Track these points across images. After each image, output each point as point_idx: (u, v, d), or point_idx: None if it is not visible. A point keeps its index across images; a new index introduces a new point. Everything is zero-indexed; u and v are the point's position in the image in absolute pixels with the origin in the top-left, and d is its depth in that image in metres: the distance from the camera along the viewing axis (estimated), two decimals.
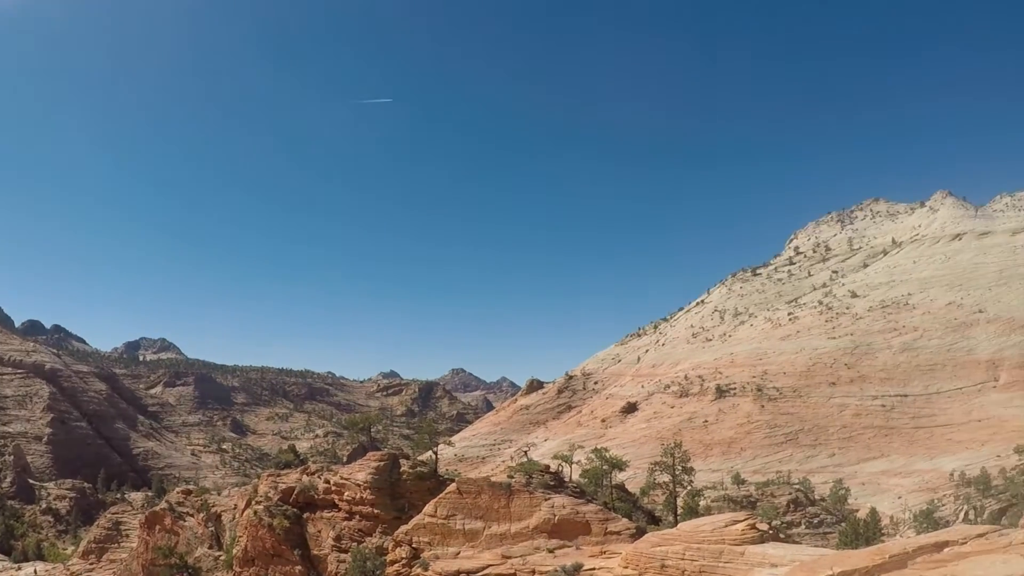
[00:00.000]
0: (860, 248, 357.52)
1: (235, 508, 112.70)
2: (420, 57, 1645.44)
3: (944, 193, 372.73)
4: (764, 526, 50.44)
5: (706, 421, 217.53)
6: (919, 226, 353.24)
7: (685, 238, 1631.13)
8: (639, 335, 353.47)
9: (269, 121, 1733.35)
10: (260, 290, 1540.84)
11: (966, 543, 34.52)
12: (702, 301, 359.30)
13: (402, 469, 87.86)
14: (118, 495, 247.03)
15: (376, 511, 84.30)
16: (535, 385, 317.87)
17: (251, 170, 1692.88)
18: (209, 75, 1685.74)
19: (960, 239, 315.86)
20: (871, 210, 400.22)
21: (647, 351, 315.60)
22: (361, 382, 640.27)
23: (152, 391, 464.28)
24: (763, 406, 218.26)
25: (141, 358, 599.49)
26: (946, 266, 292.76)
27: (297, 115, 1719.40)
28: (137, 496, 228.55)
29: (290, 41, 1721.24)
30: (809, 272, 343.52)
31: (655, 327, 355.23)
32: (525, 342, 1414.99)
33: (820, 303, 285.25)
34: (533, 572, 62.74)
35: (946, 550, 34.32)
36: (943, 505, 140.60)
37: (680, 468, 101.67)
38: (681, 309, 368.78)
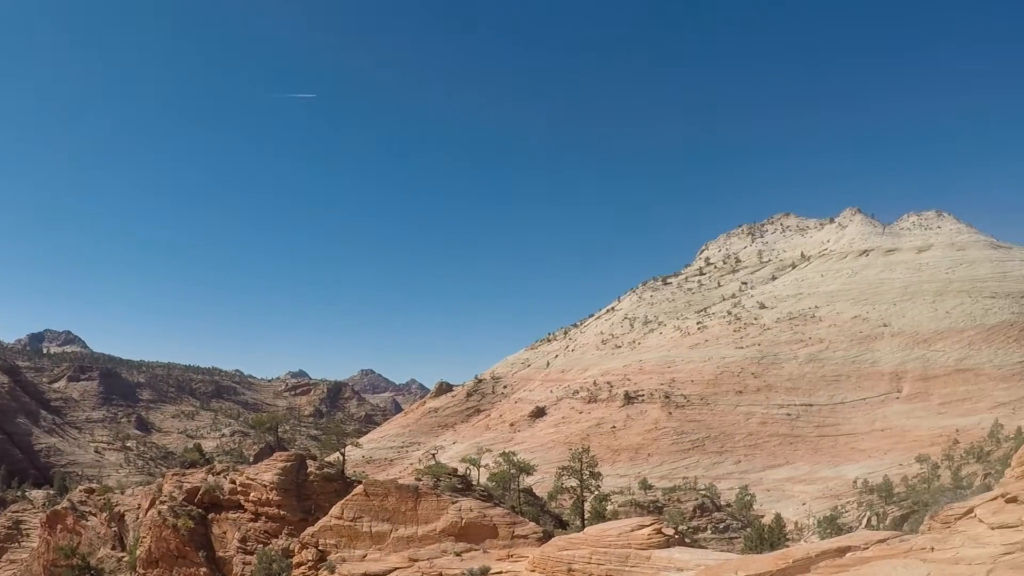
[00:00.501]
0: (769, 261, 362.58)
1: (139, 508, 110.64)
2: (319, 56, 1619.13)
3: (853, 210, 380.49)
4: (670, 531, 50.60)
5: (614, 427, 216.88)
6: (828, 241, 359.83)
7: (597, 246, 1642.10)
8: (549, 340, 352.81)
9: (188, 112, 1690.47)
10: (167, 285, 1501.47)
11: (868, 548, 34.78)
12: (612, 308, 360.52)
13: (309, 470, 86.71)
14: (18, 493, 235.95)
15: (282, 512, 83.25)
16: (444, 388, 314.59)
17: (157, 162, 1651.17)
18: (99, 61, 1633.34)
19: (867, 255, 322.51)
20: (781, 224, 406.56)
21: (557, 356, 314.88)
22: (269, 381, 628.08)
23: (56, 385, 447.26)
24: (671, 413, 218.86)
25: (45, 351, 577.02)
26: (853, 281, 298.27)
27: (211, 107, 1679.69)
28: (38, 494, 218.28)
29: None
30: (719, 283, 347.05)
31: (565, 333, 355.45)
32: (435, 344, 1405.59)
33: (729, 313, 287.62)
34: (440, 575, 62.15)
35: (848, 555, 34.57)
36: (846, 511, 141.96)
37: (588, 473, 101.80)
38: (592, 316, 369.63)
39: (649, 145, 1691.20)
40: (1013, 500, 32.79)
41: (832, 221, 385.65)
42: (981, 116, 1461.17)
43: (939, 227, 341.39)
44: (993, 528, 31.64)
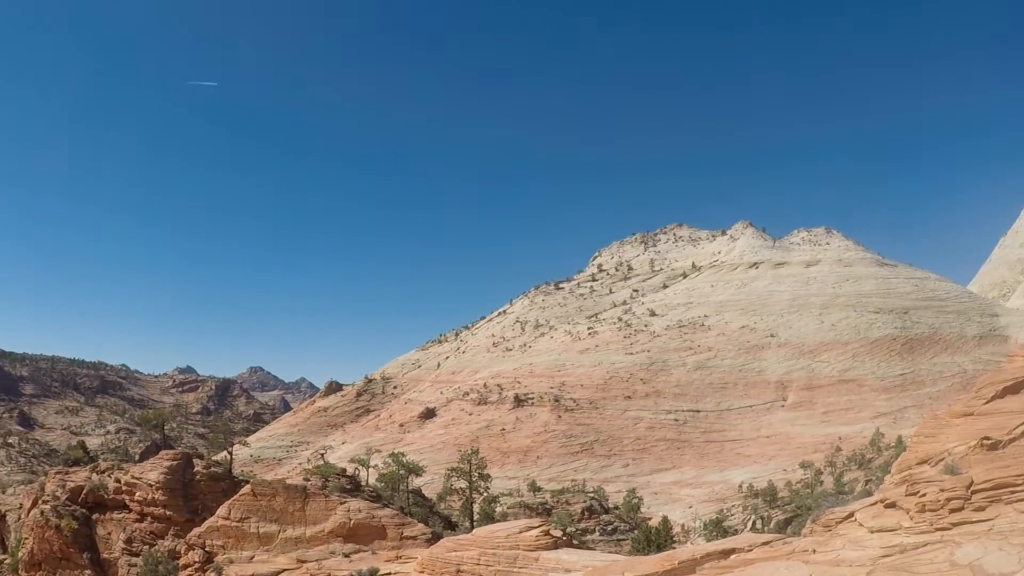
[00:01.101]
0: (661, 270, 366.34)
1: (21, 508, 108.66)
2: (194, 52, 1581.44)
3: (745, 223, 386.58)
4: (558, 532, 51.63)
5: (504, 429, 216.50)
6: (719, 253, 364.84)
7: (491, 249, 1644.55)
8: (440, 341, 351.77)
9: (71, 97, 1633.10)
10: (52, 275, 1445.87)
11: (752, 550, 35.71)
12: (504, 311, 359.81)
13: (196, 469, 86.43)
14: None
15: (168, 513, 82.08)
16: (334, 387, 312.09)
17: (31, 151, 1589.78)
18: None
19: (757, 268, 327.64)
20: (675, 234, 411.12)
21: (448, 358, 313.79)
22: (156, 376, 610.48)
23: None
24: (560, 416, 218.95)
25: None
26: (742, 292, 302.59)
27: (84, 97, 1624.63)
28: None
29: None
30: (611, 289, 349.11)
31: (456, 334, 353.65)
32: (326, 343, 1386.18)
33: (620, 320, 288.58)
34: None
35: (732, 557, 35.39)
36: (732, 515, 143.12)
37: (477, 474, 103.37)
38: (483, 318, 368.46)
39: (547, 152, 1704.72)
40: (892, 505, 35.29)
41: (724, 233, 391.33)
42: (870, 137, 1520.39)
43: (828, 243, 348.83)
44: (873, 532, 33.35)
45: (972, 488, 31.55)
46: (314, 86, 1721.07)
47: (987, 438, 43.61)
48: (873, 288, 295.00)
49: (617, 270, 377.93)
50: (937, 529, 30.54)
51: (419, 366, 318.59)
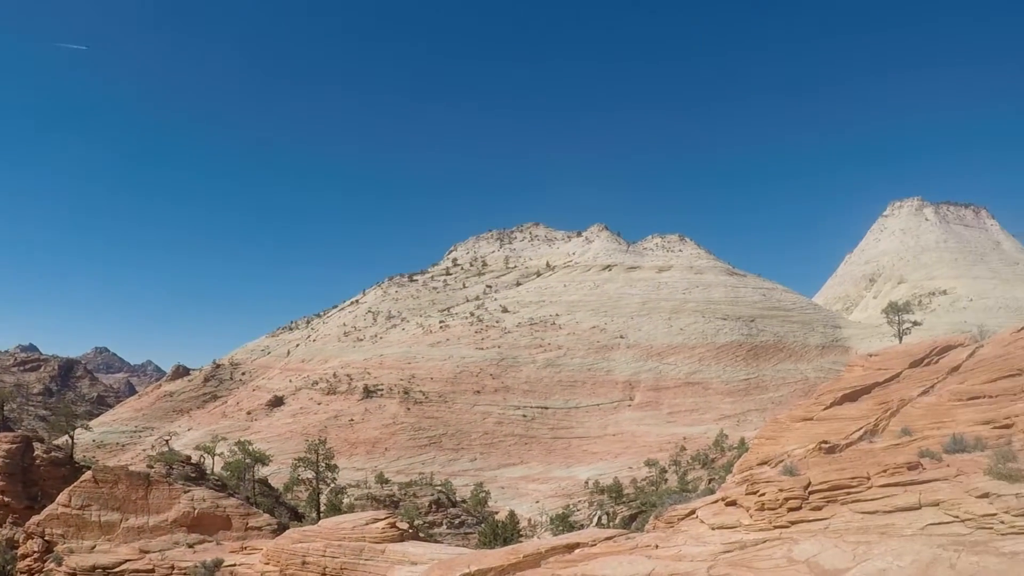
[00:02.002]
0: (516, 267, 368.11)
1: None
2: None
3: (601, 226, 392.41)
4: (404, 525, 52.64)
5: (352, 420, 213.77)
6: (574, 254, 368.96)
7: (343, 237, 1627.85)
8: (291, 328, 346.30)
9: None
10: None
11: (595, 545, 36.15)
12: (357, 301, 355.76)
13: (36, 454, 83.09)
14: None
15: (6, 499, 78.18)
16: (181, 371, 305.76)
17: None
18: None
19: (610, 270, 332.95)
20: (531, 233, 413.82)
21: (298, 346, 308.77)
22: None
23: None
24: (409, 408, 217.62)
25: None
26: (594, 293, 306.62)
27: None
28: None
29: None
30: (464, 284, 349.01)
31: (308, 322, 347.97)
32: (174, 325, 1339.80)
33: (472, 315, 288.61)
34: (172, 568, 61.28)
35: (577, 551, 35.91)
36: (578, 510, 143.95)
37: (324, 465, 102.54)
38: (335, 307, 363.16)
39: (406, 146, 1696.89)
40: (732, 503, 36.59)
41: (580, 235, 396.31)
42: (730, 156, 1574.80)
43: (681, 250, 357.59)
44: (714, 528, 34.60)
45: (810, 489, 32.39)
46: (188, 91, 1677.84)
47: (825, 442, 45.79)
48: (722, 296, 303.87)
49: (472, 265, 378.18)
50: (776, 527, 31.71)
51: (268, 353, 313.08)
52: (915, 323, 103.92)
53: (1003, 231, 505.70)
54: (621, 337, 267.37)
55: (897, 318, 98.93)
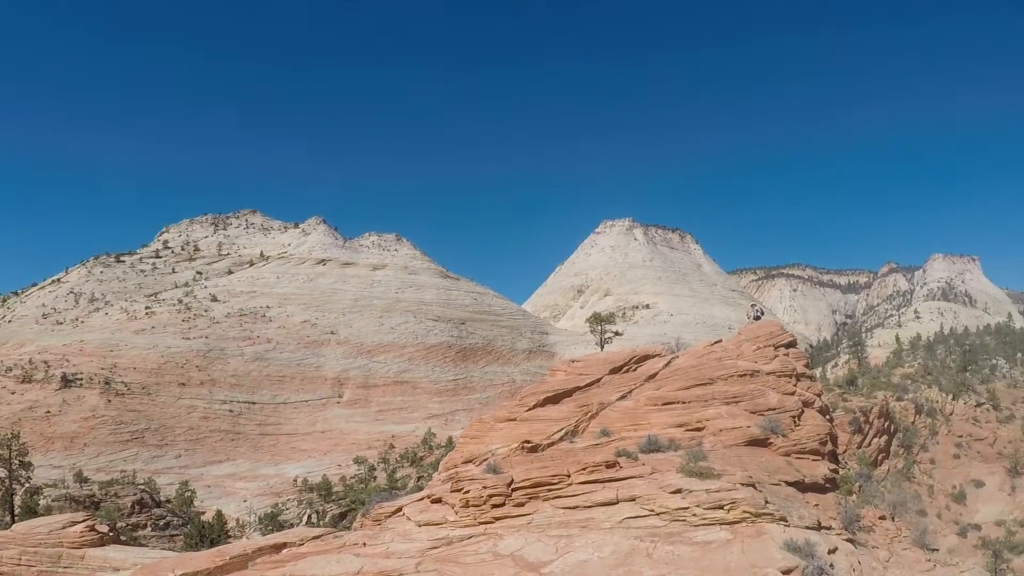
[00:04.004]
0: (229, 255, 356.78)
1: None
2: None
3: (319, 219, 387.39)
4: (105, 528, 50.94)
5: (49, 412, 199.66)
6: (289, 245, 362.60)
7: (42, 207, 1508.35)
8: None
9: None
10: None
11: (304, 544, 36.56)
12: (59, 280, 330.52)
13: None
14: None
15: None
16: None
17: None
18: None
19: (325, 264, 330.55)
20: (247, 220, 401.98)
21: None
22: None
23: None
24: (110, 400, 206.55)
25: None
26: (307, 287, 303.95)
27: None
28: None
29: None
30: (174, 269, 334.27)
31: (3, 301, 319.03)
32: None
33: (180, 302, 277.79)
34: None
35: (285, 551, 35.93)
36: (287, 509, 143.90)
37: (17, 462, 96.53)
38: (35, 284, 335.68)
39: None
40: (438, 501, 37.66)
41: (297, 226, 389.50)
42: (449, 163, 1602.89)
43: (397, 250, 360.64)
44: (421, 525, 35.47)
45: (513, 486, 34.81)
46: None
47: (528, 442, 48.92)
48: (434, 297, 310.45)
49: (183, 249, 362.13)
50: (481, 523, 33.52)
51: None
52: (617, 333, 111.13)
53: (705, 255, 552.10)
54: (332, 333, 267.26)
55: (600, 327, 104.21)
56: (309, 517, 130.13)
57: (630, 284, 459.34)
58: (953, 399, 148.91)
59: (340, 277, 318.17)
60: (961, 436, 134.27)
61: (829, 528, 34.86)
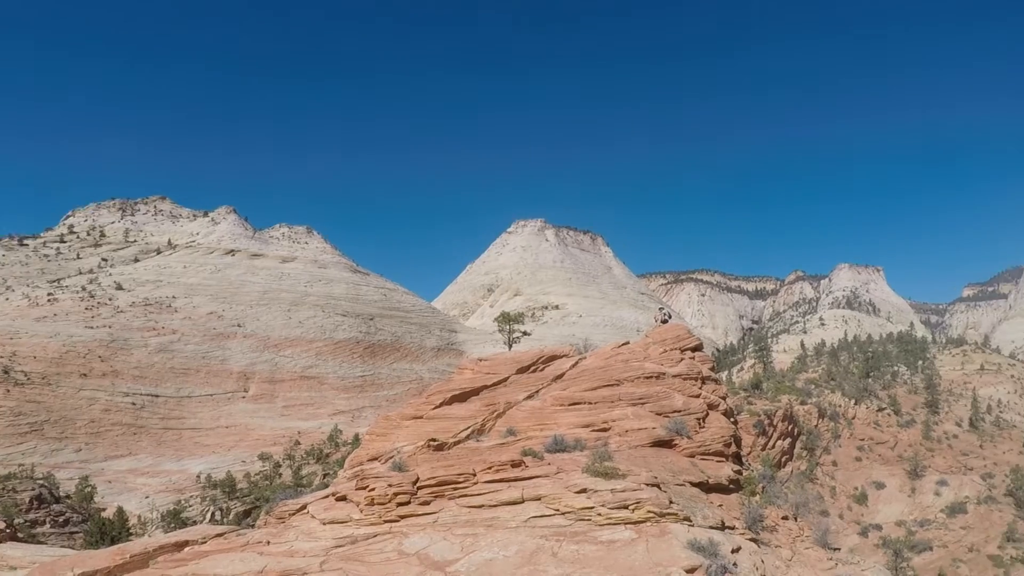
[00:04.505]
0: (136, 242, 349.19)
1: None
2: None
3: (229, 209, 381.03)
4: (1, 524, 51.81)
5: None
6: (198, 234, 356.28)
7: None
8: None
9: None
10: None
11: (206, 542, 36.08)
12: None
13: None
14: None
15: None
16: None
17: None
18: None
19: (234, 255, 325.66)
20: (156, 207, 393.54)
21: None
22: None
23: None
24: (8, 391, 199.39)
25: None
26: (215, 277, 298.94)
27: None
28: None
29: None
30: (79, 254, 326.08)
31: None
32: None
33: (84, 289, 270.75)
34: None
35: (187, 549, 35.34)
36: (191, 506, 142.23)
37: None
38: None
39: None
40: (343, 499, 37.41)
41: (207, 215, 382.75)
42: (365, 158, 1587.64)
43: (307, 243, 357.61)
44: (325, 523, 35.19)
45: (418, 484, 35.28)
46: None
47: (434, 440, 49.27)
48: (343, 292, 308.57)
49: (89, 235, 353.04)
50: (386, 521, 33.77)
51: None
52: (525, 333, 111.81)
53: (615, 258, 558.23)
54: (239, 326, 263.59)
55: (509, 327, 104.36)
56: (213, 514, 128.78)
57: (540, 284, 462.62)
58: (855, 404, 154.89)
59: (249, 269, 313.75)
60: (863, 439, 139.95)
61: (733, 528, 35.43)
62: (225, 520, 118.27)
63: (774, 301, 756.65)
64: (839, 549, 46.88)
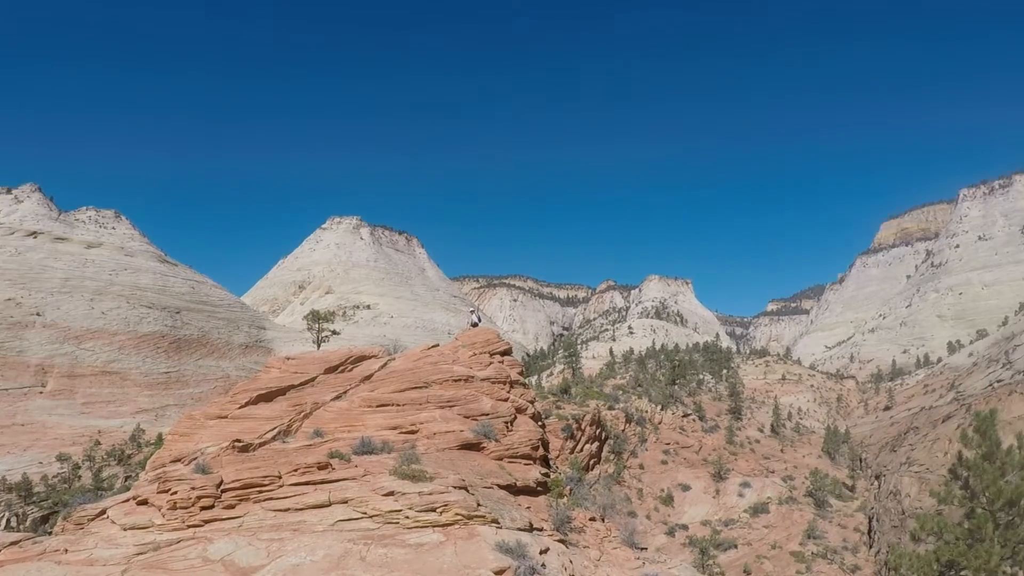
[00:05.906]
0: None
1: None
2: None
3: (34, 186, 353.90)
4: None
5: None
6: None
7: None
8: None
9: None
10: None
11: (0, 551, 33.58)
12: None
13: None
14: None
15: None
16: None
17: None
18: None
19: (36, 237, 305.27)
20: None
21: None
22: None
23: None
24: None
25: None
26: (15, 261, 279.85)
27: None
28: None
29: None
30: None
31: None
32: None
33: None
34: None
35: None
36: None
37: None
38: None
39: None
40: (144, 503, 35.44)
41: (10, 192, 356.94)
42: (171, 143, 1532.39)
43: (115, 228, 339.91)
44: (126, 529, 33.13)
45: (223, 487, 33.96)
46: None
47: (239, 440, 48.25)
48: (150, 282, 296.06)
49: None
50: (189, 526, 32.21)
51: None
52: (334, 332, 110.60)
53: (429, 260, 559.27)
54: (38, 315, 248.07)
55: (318, 325, 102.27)
56: (8, 520, 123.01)
57: (353, 283, 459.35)
58: (662, 409, 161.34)
59: (52, 253, 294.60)
60: (669, 443, 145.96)
61: (541, 530, 35.78)
62: (21, 527, 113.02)
63: (585, 309, 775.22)
64: (646, 548, 47.82)
